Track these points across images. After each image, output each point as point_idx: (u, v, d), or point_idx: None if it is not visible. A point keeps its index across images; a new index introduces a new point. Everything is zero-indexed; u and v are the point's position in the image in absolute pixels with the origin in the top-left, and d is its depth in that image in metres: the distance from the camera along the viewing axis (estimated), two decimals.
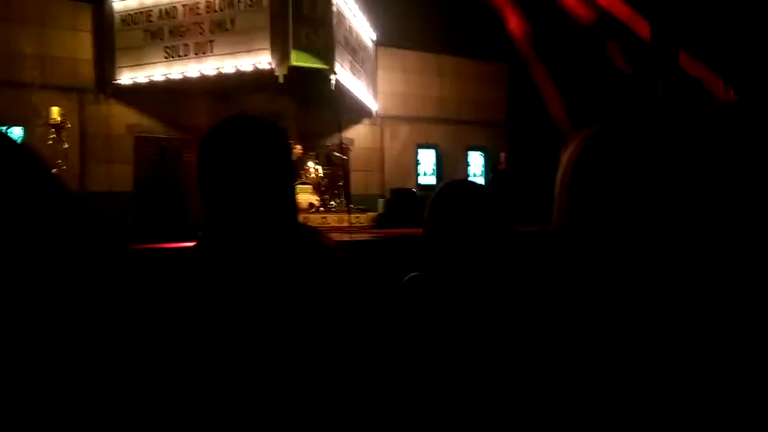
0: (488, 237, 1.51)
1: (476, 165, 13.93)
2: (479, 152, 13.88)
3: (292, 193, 1.37)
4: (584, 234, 0.96)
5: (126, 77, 9.52)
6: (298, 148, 9.35)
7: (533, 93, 11.04)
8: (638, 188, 0.93)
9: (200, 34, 8.85)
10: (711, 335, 0.89)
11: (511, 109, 13.83)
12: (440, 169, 13.30)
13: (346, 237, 7.16)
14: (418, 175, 13.11)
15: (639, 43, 8.71)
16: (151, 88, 9.42)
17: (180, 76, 9.08)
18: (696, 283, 0.92)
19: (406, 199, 9.68)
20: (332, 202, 9.41)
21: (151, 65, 9.26)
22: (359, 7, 10.45)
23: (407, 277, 1.63)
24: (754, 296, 0.91)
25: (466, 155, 13.77)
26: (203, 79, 9.00)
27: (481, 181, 13.71)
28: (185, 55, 9.01)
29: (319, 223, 8.66)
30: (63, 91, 9.26)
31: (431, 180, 13.15)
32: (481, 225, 1.50)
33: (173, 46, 9.06)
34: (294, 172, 1.39)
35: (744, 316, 0.90)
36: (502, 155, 11.23)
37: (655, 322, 0.91)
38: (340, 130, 8.42)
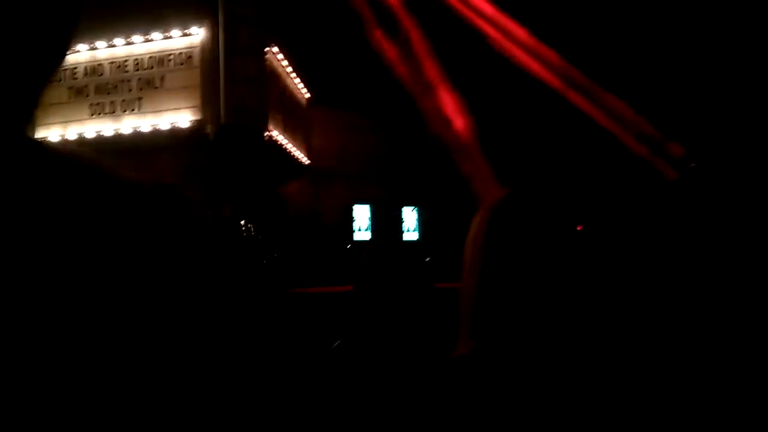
0: (412, 297, 1.56)
1: (410, 221, 14.10)
2: (412, 208, 14.08)
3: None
4: (495, 291, 0.99)
5: (55, 134, 9.18)
6: (227, 207, 9.20)
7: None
8: (541, 250, 0.99)
9: (128, 91, 8.70)
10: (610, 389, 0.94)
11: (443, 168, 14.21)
12: (375, 225, 13.37)
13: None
14: (353, 231, 13.12)
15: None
16: (81, 145, 9.09)
17: (109, 133, 8.83)
18: (591, 334, 0.97)
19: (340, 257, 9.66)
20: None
21: (77, 122, 8.99)
22: (294, 66, 10.60)
23: (336, 344, 1.64)
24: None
25: (401, 211, 13.93)
26: (133, 136, 8.79)
27: (415, 236, 13.86)
28: (112, 113, 8.80)
29: None
30: None
31: (366, 236, 13.19)
32: (405, 285, 1.56)
33: (99, 104, 8.84)
34: (193, 240, 1.31)
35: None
36: (431, 213, 11.46)
37: (559, 372, 0.95)
38: (273, 187, 8.35)
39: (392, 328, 1.54)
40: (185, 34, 8.63)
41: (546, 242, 0.99)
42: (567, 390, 0.94)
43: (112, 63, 8.77)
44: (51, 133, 9.01)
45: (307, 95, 11.85)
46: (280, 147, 9.70)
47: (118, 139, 8.85)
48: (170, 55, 8.61)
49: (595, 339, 0.97)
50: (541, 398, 0.93)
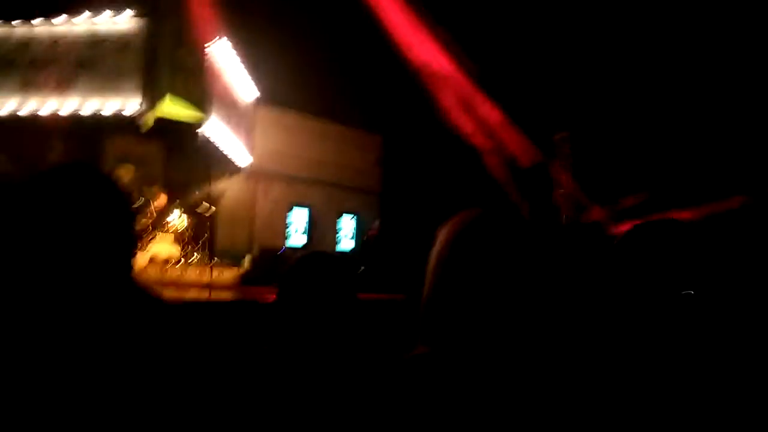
0: (334, 311, 1.60)
1: (348, 229, 14.11)
2: (351, 216, 14.09)
3: (118, 249, 1.27)
4: (456, 303, 1.07)
5: None
6: (162, 197, 8.94)
7: (407, 164, 11.52)
8: (506, 268, 1.07)
9: (62, 70, 8.30)
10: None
11: (386, 179, 14.33)
12: (312, 231, 13.29)
13: (204, 295, 6.87)
14: (289, 234, 12.99)
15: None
16: (13, 121, 8.62)
17: (35, 111, 8.41)
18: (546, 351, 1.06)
19: (273, 259, 9.53)
20: (195, 256, 9.01)
21: (5, 95, 8.51)
22: (242, 62, 10.42)
23: (256, 353, 1.65)
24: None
25: (339, 219, 13.92)
26: (60, 117, 8.38)
27: (351, 244, 13.87)
28: (44, 90, 8.38)
29: (177, 277, 8.22)
30: None
31: (302, 240, 13.08)
32: (327, 298, 1.60)
33: (30, 80, 8.40)
34: (126, 227, 1.29)
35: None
36: (377, 222, 11.50)
37: (513, 384, 1.02)
38: (209, 181, 8.17)
39: (311, 339, 1.57)
40: (128, 19, 8.33)
41: (506, 263, 1.06)
42: (515, 399, 1.01)
43: (48, 39, 8.36)
44: None
45: (254, 92, 11.69)
46: (218, 143, 9.50)
47: (51, 119, 8.43)
48: (110, 38, 8.29)
49: (540, 349, 1.05)
50: (492, 402, 1.00)
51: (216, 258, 9.28)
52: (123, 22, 8.32)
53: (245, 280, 9.10)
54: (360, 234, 13.74)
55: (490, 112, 9.42)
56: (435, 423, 1.01)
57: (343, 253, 12.92)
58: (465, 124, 9.44)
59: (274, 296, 1.71)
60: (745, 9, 9.93)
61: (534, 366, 1.05)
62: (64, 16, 8.34)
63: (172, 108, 8.21)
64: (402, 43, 8.78)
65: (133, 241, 1.34)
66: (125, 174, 8.40)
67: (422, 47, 9.02)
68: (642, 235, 1.27)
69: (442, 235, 1.13)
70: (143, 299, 1.29)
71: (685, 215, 9.20)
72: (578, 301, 1.24)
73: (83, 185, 1.23)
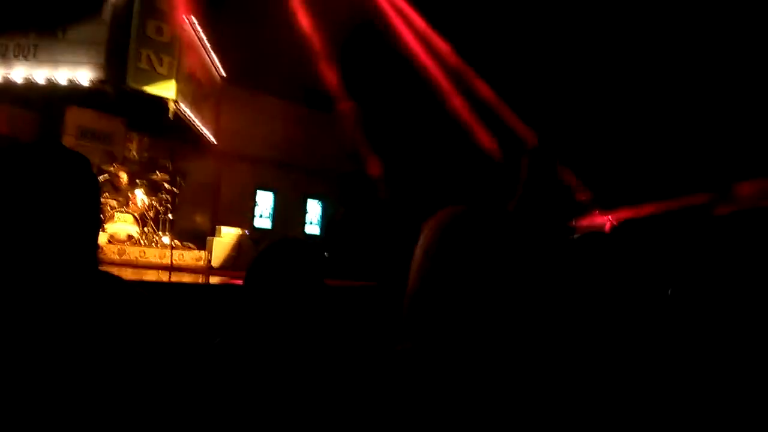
0: (302, 298, 1.59)
1: (313, 213, 14.01)
2: (317, 201, 13.99)
3: (82, 228, 1.23)
4: (443, 298, 1.06)
5: None
6: (123, 175, 8.70)
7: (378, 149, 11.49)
8: (495, 263, 1.06)
9: (23, 36, 7.95)
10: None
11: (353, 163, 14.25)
12: (277, 214, 13.15)
13: (164, 278, 6.71)
14: (254, 217, 12.83)
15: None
16: None
17: None
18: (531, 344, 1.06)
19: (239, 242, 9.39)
20: (156, 236, 8.80)
21: None
22: (209, 41, 10.19)
23: (219, 340, 1.64)
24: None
25: (305, 203, 13.80)
26: (17, 86, 8.03)
27: (316, 229, 13.79)
28: (2, 56, 8.02)
29: (136, 257, 8.03)
30: None
31: (266, 223, 12.93)
32: (296, 286, 1.58)
33: None
34: (90, 203, 1.24)
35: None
36: (341, 207, 11.45)
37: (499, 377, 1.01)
38: (172, 160, 7.98)
39: (278, 326, 1.54)
40: None
41: (495, 258, 1.06)
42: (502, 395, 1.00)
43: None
44: None
45: (221, 72, 11.44)
46: (184, 120, 9.28)
47: (8, 86, 8.07)
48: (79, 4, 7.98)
49: (528, 344, 1.05)
50: (477, 398, 0.99)
51: (177, 239, 9.09)
52: None
53: (208, 263, 8.97)
54: (325, 219, 13.67)
55: (484, 91, 9.53)
56: (421, 421, 1.00)
57: (308, 239, 12.85)
58: (456, 103, 9.52)
59: (241, 281, 1.70)
60: (717, 7, 10.16)
61: (522, 362, 1.05)
62: None
63: (140, 82, 7.98)
64: (386, 23, 8.83)
65: (99, 220, 1.30)
66: (87, 150, 8.13)
67: (409, 26, 9.07)
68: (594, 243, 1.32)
69: (428, 230, 1.12)
70: (107, 280, 1.24)
71: (647, 210, 9.44)
72: (567, 297, 1.25)
73: (51, 162, 1.19)
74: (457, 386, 1.00)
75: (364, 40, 10.56)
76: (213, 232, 9.81)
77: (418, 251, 1.11)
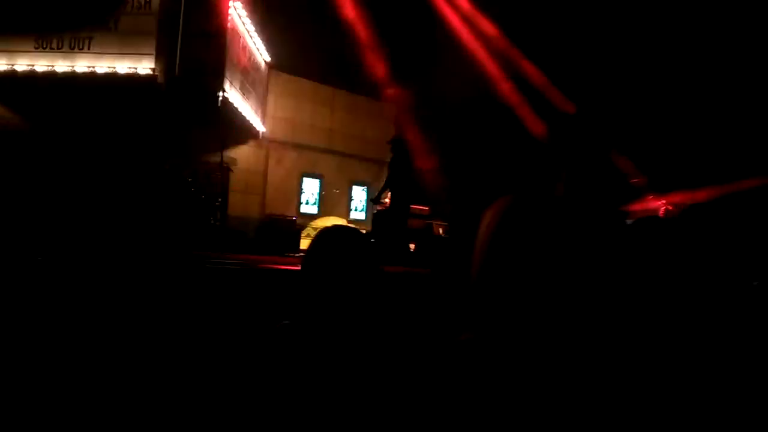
0: (360, 284, 1.59)
1: (359, 199, 14.06)
2: (362, 187, 14.03)
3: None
4: (505, 284, 1.05)
5: (1, 63, 8.57)
6: (172, 161, 8.90)
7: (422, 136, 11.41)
8: (557, 249, 1.04)
9: (79, 29, 8.21)
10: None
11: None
12: (323, 200, 13.26)
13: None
14: (300, 203, 12.97)
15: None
16: (13, 78, 8.57)
17: (47, 69, 8.34)
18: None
19: (284, 228, 9.52)
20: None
21: (17, 53, 8.44)
22: (256, 28, 10.28)
23: (278, 326, 1.63)
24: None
25: (350, 189, 13.86)
26: (76, 77, 8.32)
27: (362, 215, 13.85)
28: (59, 48, 8.31)
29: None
30: None
31: (313, 210, 13.06)
32: (354, 272, 1.59)
33: (46, 37, 8.33)
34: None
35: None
36: (388, 193, 11.41)
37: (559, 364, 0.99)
38: (222, 148, 8.11)
39: (339, 310, 1.56)
40: None
41: (557, 244, 1.05)
42: (560, 389, 0.98)
43: None
44: None
45: (268, 59, 11.54)
46: (233, 108, 9.42)
47: (67, 78, 8.36)
48: None
49: (591, 336, 1.03)
50: (535, 392, 0.98)
51: (228, 225, 9.27)
52: None
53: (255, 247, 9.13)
54: (371, 205, 13.70)
55: (533, 74, 9.36)
56: (487, 411, 0.98)
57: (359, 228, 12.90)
58: (505, 88, 9.39)
59: (289, 266, 1.72)
60: None
61: (589, 352, 1.01)
62: None
63: (189, 71, 8.15)
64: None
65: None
66: None
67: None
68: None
69: (490, 218, 1.10)
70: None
71: (703, 194, 9.09)
72: (631, 283, 1.20)
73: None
74: (525, 377, 0.98)
75: (412, 24, 10.45)
76: (262, 218, 9.97)
77: (480, 239, 1.10)
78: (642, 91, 10.57)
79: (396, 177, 8.61)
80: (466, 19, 9.54)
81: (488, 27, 9.58)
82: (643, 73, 10.54)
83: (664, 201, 9.38)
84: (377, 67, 9.69)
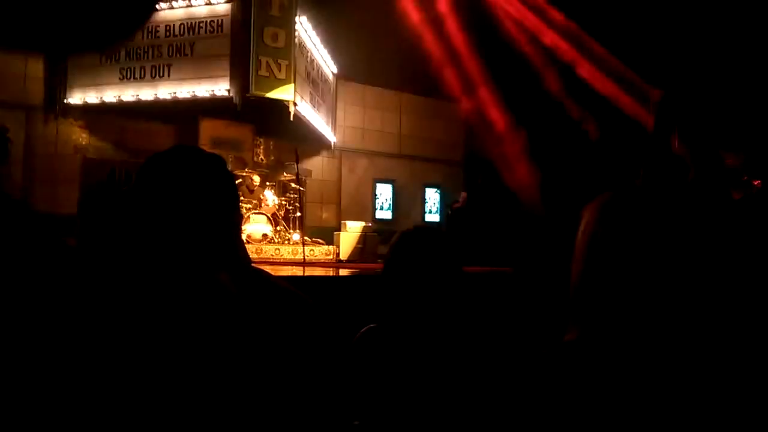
0: (444, 285, 1.56)
1: (432, 202, 14.02)
2: (435, 189, 13.98)
3: (232, 226, 1.29)
4: (610, 283, 1.01)
5: (77, 97, 9.22)
6: (255, 178, 9.20)
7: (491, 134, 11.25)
8: (664, 244, 1.00)
9: (158, 57, 8.70)
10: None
11: (469, 149, 14.07)
12: (396, 205, 13.32)
13: (299, 272, 7.02)
14: (375, 209, 13.09)
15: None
16: (102, 109, 9.16)
17: (133, 99, 8.86)
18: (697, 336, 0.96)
19: (364, 235, 9.65)
20: (288, 234, 9.25)
21: (104, 86, 9.02)
22: (321, 40, 10.50)
23: (364, 330, 1.66)
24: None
25: (423, 192, 13.85)
26: (157, 103, 8.81)
27: (436, 218, 13.80)
28: (141, 78, 8.81)
29: (272, 255, 8.48)
30: (9, 108, 8.88)
31: (387, 215, 13.14)
32: (438, 274, 1.56)
33: (128, 68, 8.86)
34: (235, 205, 1.31)
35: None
36: (463, 194, 11.34)
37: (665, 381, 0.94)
38: (297, 160, 8.32)
39: (423, 313, 1.54)
40: (217, 2, 8.62)
41: (660, 237, 1.00)
42: (661, 393, 0.93)
43: (144, 29, 8.77)
44: (88, 95, 9.10)
45: (334, 70, 11.74)
46: (304, 120, 9.65)
47: (144, 105, 8.87)
48: (201, 22, 8.60)
49: (705, 336, 0.96)
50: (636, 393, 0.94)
51: (307, 236, 9.48)
52: (214, 5, 8.64)
53: (336, 256, 9.30)
54: (444, 206, 13.61)
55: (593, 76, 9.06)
56: (594, 416, 0.94)
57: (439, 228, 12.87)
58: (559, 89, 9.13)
59: (368, 272, 1.71)
60: None
61: (703, 353, 0.95)
62: (158, 4, 8.73)
63: (262, 88, 8.43)
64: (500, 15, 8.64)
65: (239, 216, 1.36)
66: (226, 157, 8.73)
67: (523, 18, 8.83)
68: None
69: (589, 216, 1.06)
70: (260, 277, 1.29)
71: None
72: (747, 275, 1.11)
73: (192, 163, 1.26)
74: (633, 379, 0.93)
75: (477, 24, 10.32)
76: (339, 227, 10.13)
77: (581, 238, 1.07)
78: (733, 71, 9.94)
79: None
80: (534, 10, 9.32)
81: (555, 15, 9.31)
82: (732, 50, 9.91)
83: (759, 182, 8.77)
84: (446, 70, 9.64)
